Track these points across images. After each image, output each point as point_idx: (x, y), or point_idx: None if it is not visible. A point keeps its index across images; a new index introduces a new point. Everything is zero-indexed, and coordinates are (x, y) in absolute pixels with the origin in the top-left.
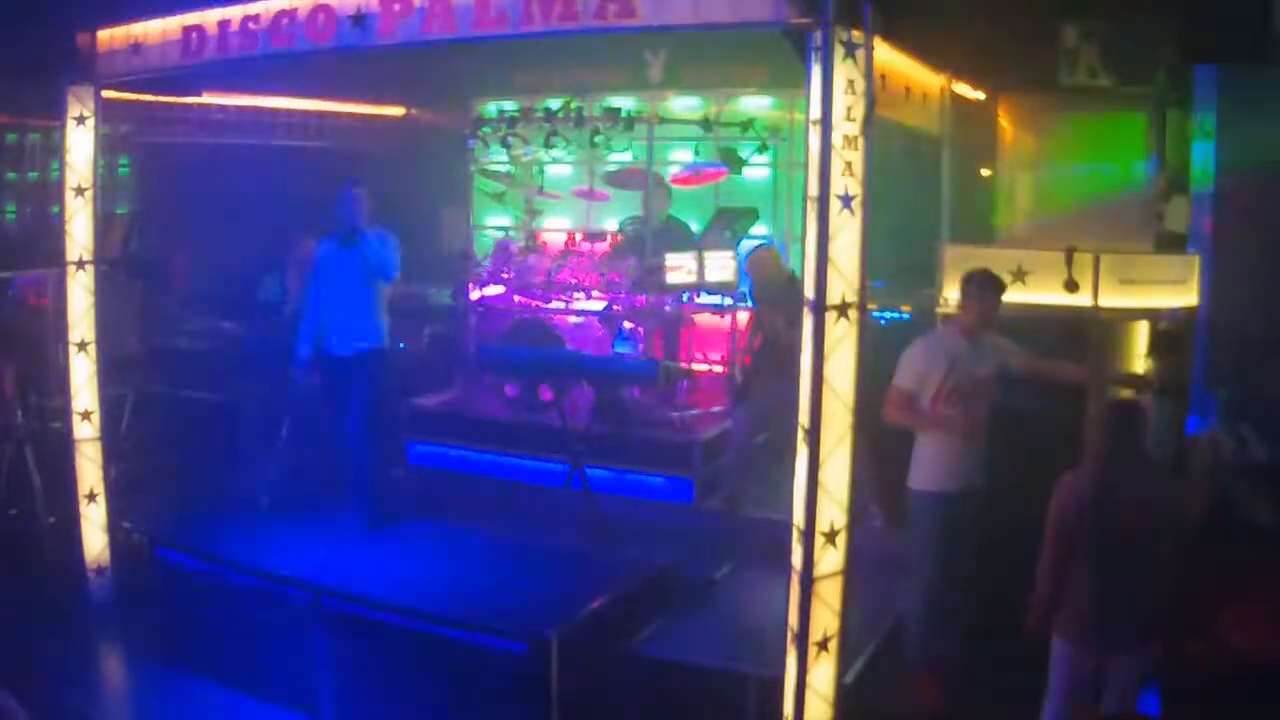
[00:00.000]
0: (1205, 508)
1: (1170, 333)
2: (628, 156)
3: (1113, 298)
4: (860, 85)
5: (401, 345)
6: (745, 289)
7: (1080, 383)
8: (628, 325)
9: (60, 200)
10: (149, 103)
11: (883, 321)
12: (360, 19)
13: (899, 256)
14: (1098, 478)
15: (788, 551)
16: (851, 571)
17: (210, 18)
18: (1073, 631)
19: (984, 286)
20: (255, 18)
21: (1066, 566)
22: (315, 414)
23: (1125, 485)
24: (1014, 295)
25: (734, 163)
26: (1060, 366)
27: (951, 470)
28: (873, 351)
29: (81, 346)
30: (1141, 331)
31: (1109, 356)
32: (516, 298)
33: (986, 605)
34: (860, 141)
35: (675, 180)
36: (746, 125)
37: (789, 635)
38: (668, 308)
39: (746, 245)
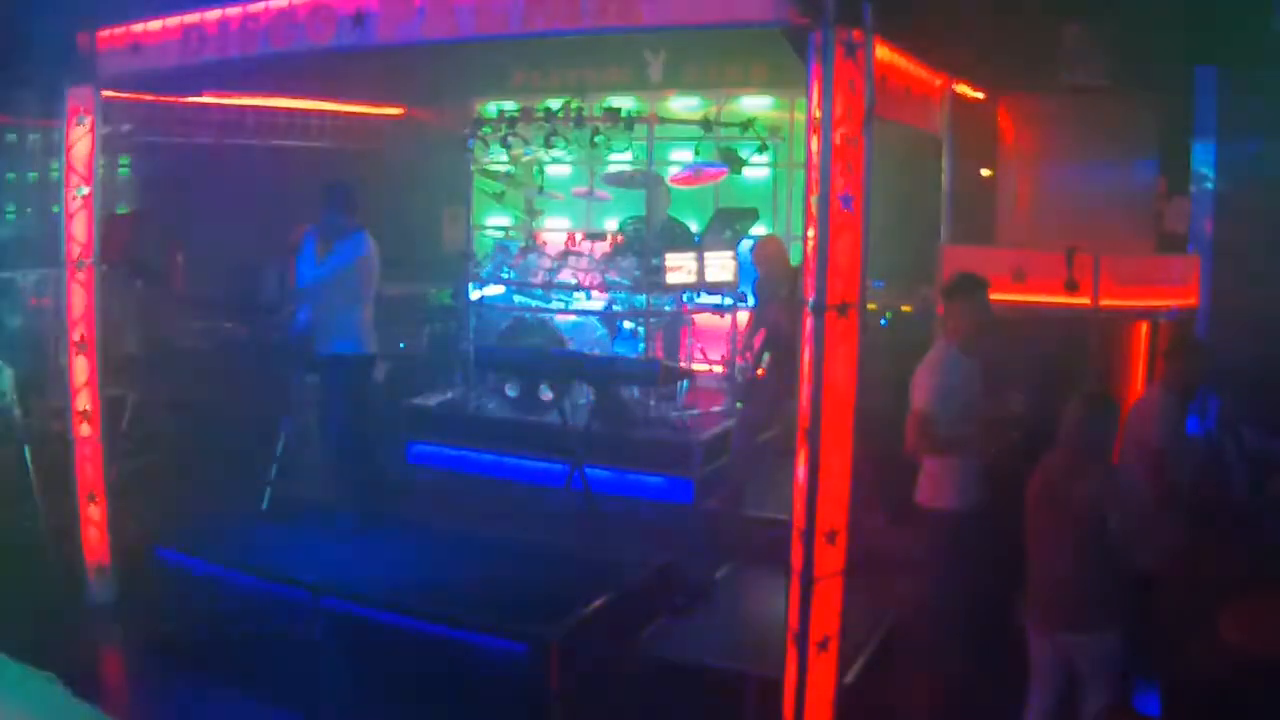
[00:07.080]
0: (1196, 504)
1: (1184, 333)
2: (628, 156)
3: (1113, 298)
4: (860, 85)
5: (401, 345)
6: (748, 285)
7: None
8: (628, 325)
9: (60, 200)
10: (149, 103)
11: (883, 322)
12: (360, 19)
13: (899, 256)
14: (1060, 463)
15: (788, 551)
16: (851, 571)
17: (210, 18)
18: (1031, 614)
19: (962, 292)
20: (255, 18)
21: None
22: (314, 413)
23: (1082, 474)
24: (1014, 295)
25: (734, 163)
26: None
27: (969, 486)
28: (873, 351)
29: (81, 346)
30: (1149, 331)
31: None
32: (516, 298)
33: (988, 607)
34: (860, 141)
35: (675, 180)
36: (746, 125)
37: (789, 635)
38: (668, 308)
39: (748, 244)
